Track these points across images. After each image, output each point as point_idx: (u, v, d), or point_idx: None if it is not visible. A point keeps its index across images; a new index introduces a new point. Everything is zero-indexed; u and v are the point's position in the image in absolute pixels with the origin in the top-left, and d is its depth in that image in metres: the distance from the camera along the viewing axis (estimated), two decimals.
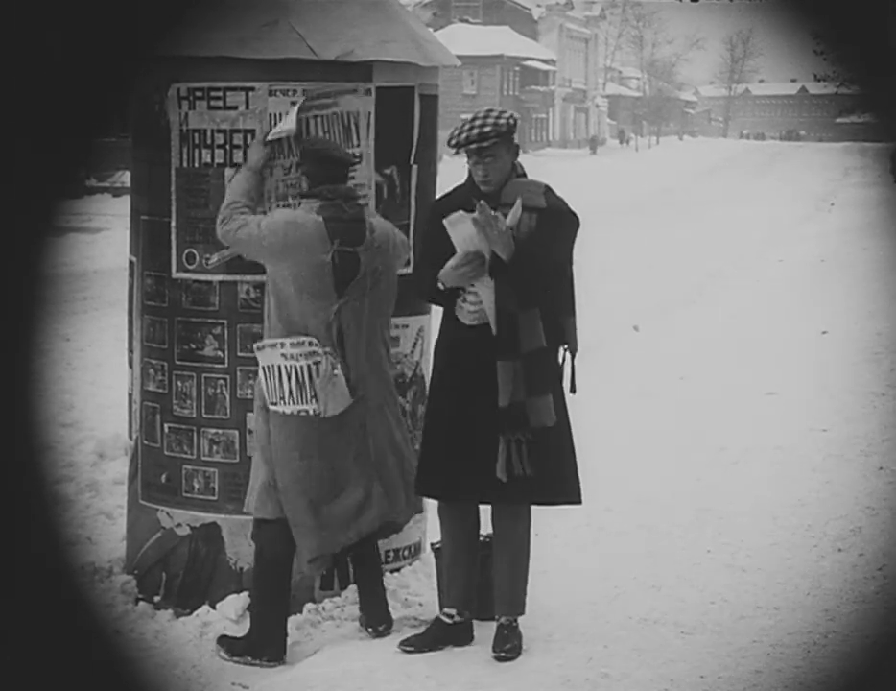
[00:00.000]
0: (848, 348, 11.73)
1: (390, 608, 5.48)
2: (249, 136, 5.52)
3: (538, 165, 48.02)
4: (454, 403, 5.12)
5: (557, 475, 5.13)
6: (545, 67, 79.68)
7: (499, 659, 5.07)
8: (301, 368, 5.22)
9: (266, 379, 5.30)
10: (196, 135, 5.58)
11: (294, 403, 5.24)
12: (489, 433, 5.02)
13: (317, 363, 5.21)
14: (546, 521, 5.73)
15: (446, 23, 73.79)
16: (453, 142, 5.06)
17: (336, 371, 5.22)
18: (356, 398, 5.28)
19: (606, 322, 13.14)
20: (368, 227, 5.31)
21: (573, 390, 5.21)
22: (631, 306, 14.46)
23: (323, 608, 5.64)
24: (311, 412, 5.23)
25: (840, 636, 5.28)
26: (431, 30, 6.63)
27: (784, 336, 12.46)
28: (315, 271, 5.21)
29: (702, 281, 17.05)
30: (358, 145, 5.60)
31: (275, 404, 5.27)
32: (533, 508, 5.26)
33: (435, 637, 5.20)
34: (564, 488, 5.17)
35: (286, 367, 5.24)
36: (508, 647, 5.10)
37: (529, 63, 76.71)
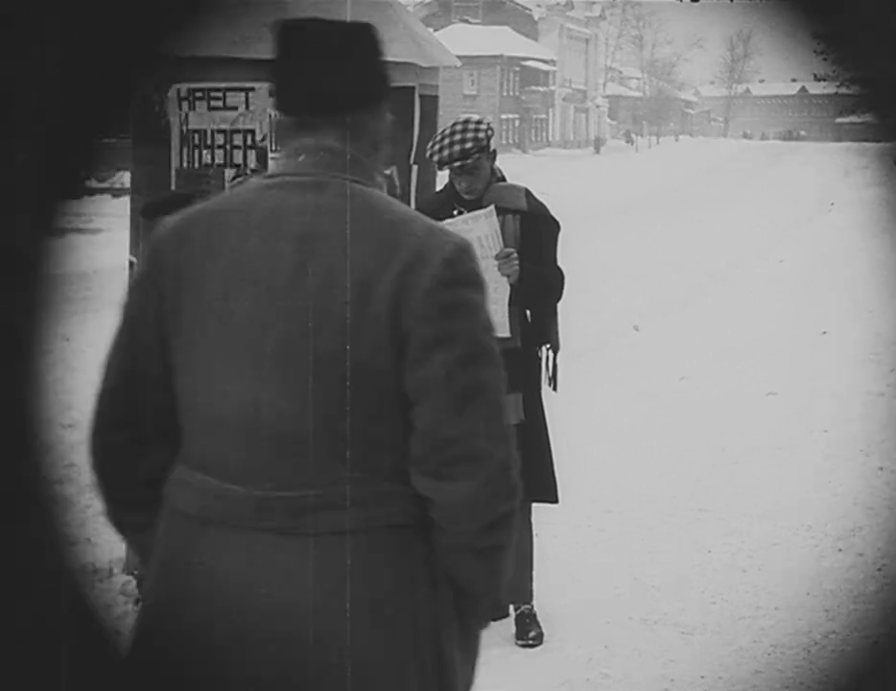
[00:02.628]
0: (848, 348, 11.72)
1: None
2: (249, 137, 5.53)
3: (540, 165, 48.00)
4: None
5: (527, 473, 5.16)
6: (545, 67, 79.65)
7: (525, 647, 5.19)
8: None
9: None
10: (196, 136, 5.59)
11: None
12: None
13: None
14: (546, 522, 5.74)
15: (446, 23, 73.76)
16: (435, 158, 5.07)
17: None
18: None
19: (606, 322, 13.15)
20: None
21: (554, 387, 5.27)
22: (631, 306, 14.46)
23: None
24: None
25: (840, 636, 5.28)
26: (431, 30, 6.64)
27: (784, 336, 12.46)
28: None
29: (702, 281, 17.04)
30: None
31: None
32: (534, 508, 5.30)
33: None
34: (536, 486, 5.21)
35: None
36: (533, 634, 5.21)
37: (529, 64, 76.69)
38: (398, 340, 2.24)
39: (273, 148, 5.52)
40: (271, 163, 5.52)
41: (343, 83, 2.40)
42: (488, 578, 2.39)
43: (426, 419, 2.25)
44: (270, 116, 5.51)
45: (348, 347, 2.22)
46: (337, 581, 2.25)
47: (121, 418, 2.40)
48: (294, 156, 2.37)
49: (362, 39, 2.46)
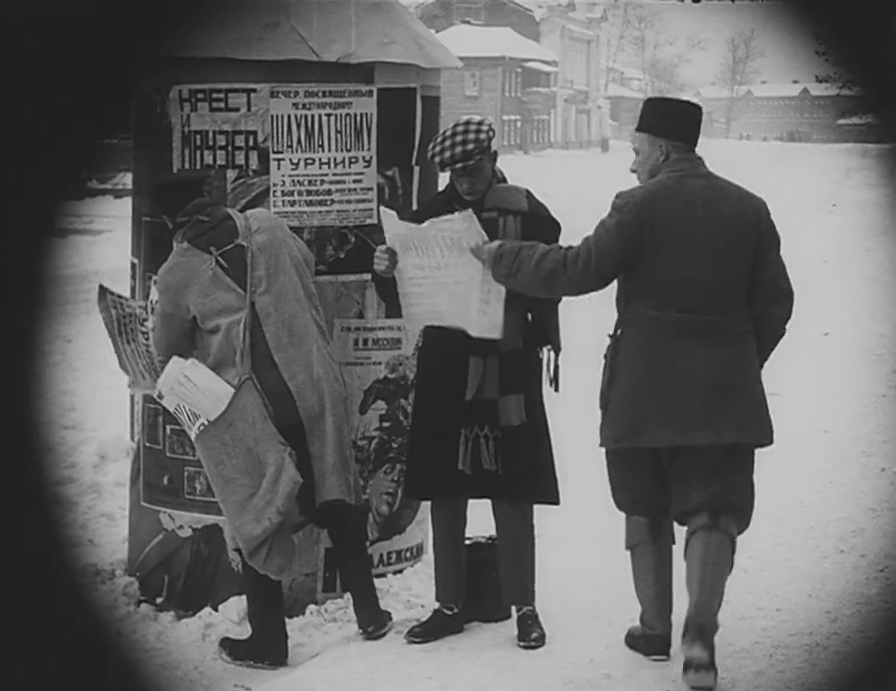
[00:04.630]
0: (850, 350, 11.72)
1: (392, 610, 5.48)
2: (251, 138, 5.53)
3: (545, 165, 48.03)
4: (435, 402, 5.18)
5: (529, 474, 5.16)
6: (547, 69, 79.70)
7: (527, 648, 5.16)
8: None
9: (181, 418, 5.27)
10: (197, 137, 5.59)
11: (191, 426, 5.20)
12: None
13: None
14: (548, 523, 5.73)
15: (448, 24, 73.81)
16: (436, 160, 5.06)
17: (185, 373, 5.12)
18: (242, 385, 5.11)
19: (608, 322, 13.12)
20: (240, 219, 5.27)
21: (556, 388, 5.27)
22: None
23: (326, 610, 5.64)
24: (206, 422, 5.13)
25: (842, 638, 5.28)
26: (432, 31, 6.65)
27: (786, 337, 12.42)
28: (212, 286, 5.16)
29: None
30: (369, 149, 5.61)
31: (192, 435, 5.24)
32: (535, 509, 5.30)
33: (438, 628, 5.30)
34: (537, 488, 5.21)
35: (179, 402, 5.20)
36: (535, 636, 5.19)
37: (530, 65, 76.73)
38: (754, 243, 4.82)
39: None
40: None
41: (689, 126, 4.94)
42: (777, 342, 5.10)
43: (764, 278, 4.86)
44: (271, 118, 5.51)
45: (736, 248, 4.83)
46: (733, 353, 4.86)
47: (603, 279, 5.09)
48: (689, 162, 4.86)
49: (694, 114, 4.92)
